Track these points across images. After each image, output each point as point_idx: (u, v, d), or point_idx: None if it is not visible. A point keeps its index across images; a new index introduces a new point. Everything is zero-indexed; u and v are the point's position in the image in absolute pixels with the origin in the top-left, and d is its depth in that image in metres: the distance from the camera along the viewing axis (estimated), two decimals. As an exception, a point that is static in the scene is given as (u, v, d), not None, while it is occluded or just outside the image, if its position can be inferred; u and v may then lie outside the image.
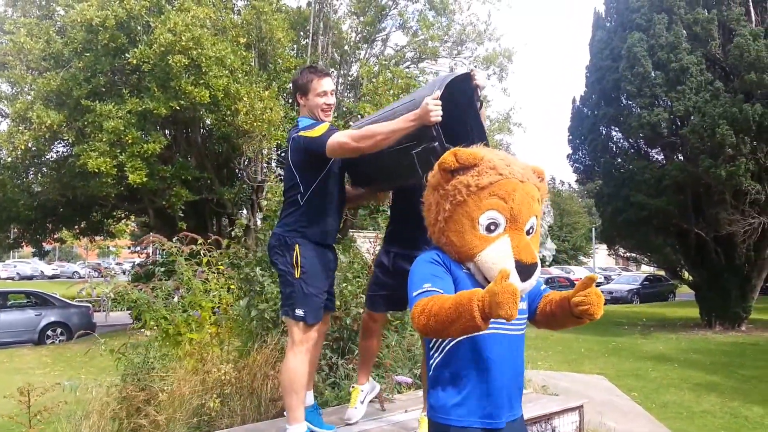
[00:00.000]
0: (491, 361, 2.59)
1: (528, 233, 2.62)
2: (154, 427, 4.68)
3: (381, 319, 4.29)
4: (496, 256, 2.56)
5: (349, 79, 20.72)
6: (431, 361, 2.72)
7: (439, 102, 3.24)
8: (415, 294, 2.53)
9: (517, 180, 2.59)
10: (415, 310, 2.45)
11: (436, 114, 3.22)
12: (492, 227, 2.58)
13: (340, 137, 3.59)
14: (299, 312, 3.73)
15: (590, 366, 11.97)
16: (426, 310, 2.39)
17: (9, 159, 17.83)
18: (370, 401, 4.50)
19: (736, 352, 14.16)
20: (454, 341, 2.60)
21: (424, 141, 3.35)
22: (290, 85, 18.83)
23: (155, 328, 5.62)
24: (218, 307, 6.08)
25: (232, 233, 7.83)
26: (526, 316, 2.72)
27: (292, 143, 3.86)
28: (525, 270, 2.53)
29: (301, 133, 3.77)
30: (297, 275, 3.75)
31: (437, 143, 3.28)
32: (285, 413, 3.93)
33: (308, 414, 3.97)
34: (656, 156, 19.36)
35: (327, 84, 3.90)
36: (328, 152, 3.63)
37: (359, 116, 18.37)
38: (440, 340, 2.64)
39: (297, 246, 3.77)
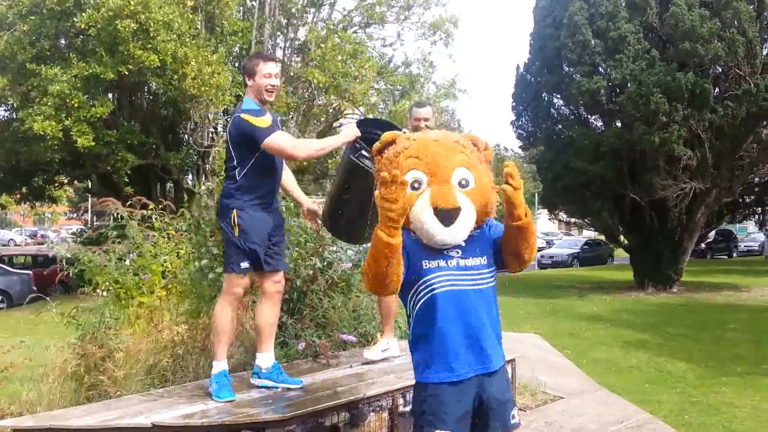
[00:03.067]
0: (449, 317, 2.74)
1: (462, 185, 2.78)
2: (112, 382, 4.77)
3: None
4: (418, 207, 2.73)
5: (297, 43, 20.53)
6: (409, 328, 2.94)
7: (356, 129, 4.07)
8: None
9: (431, 140, 2.85)
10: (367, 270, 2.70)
11: (354, 132, 4.05)
12: (416, 185, 2.77)
13: (281, 140, 4.07)
14: (243, 265, 4.16)
15: (527, 327, 12.10)
16: (364, 270, 2.71)
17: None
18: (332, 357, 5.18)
19: (665, 312, 14.52)
20: (419, 304, 2.79)
21: (355, 151, 4.09)
22: (236, 48, 18.77)
23: (108, 290, 5.66)
24: (168, 271, 6.12)
25: (201, 194, 7.80)
26: (487, 270, 2.85)
27: (233, 121, 4.21)
28: (444, 215, 2.68)
29: (243, 115, 4.11)
30: (236, 233, 4.15)
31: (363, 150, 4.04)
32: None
33: (272, 373, 4.35)
34: (595, 123, 19.59)
35: (272, 67, 4.24)
36: (264, 146, 4.06)
37: (307, 82, 18.29)
38: (410, 305, 2.84)
39: (234, 210, 4.15)
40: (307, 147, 4.29)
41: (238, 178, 4.18)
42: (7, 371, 5.27)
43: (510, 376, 5.77)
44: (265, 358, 4.41)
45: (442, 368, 2.75)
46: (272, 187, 4.34)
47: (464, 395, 2.75)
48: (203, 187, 7.62)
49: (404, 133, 3.13)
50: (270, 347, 4.43)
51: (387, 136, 2.95)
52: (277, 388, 4.30)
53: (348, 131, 4.13)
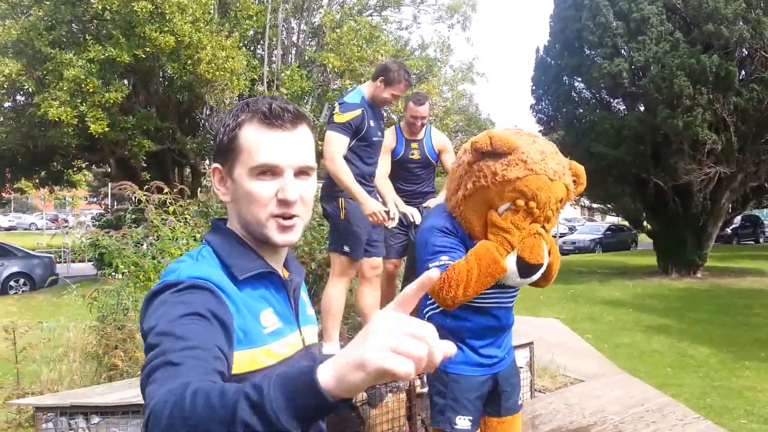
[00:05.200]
0: (486, 322, 2.86)
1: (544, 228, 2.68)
2: (133, 362, 4.79)
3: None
4: None
5: (312, 27, 20.42)
6: (426, 310, 2.94)
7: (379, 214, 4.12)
8: (432, 266, 2.63)
9: (547, 177, 2.55)
10: (435, 284, 2.56)
11: (379, 208, 4.16)
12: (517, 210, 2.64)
13: (330, 140, 4.22)
14: (345, 248, 4.32)
15: (547, 311, 12.09)
16: (454, 281, 2.59)
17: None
18: None
19: (688, 297, 14.45)
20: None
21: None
22: (251, 32, 18.73)
23: (126, 273, 5.67)
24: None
25: (203, 182, 7.81)
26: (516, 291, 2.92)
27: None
28: (527, 268, 2.64)
29: (336, 106, 4.33)
30: (342, 217, 4.32)
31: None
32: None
33: None
34: (617, 106, 19.40)
35: (404, 92, 4.45)
36: (323, 137, 4.27)
37: (322, 66, 18.18)
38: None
39: (341, 197, 4.32)
40: (335, 166, 4.22)
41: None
42: (28, 352, 5.30)
43: (528, 359, 5.78)
44: (333, 348, 4.47)
45: (474, 362, 2.90)
46: (370, 175, 4.50)
47: (484, 383, 2.90)
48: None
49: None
50: (335, 336, 4.52)
51: (501, 145, 2.55)
52: None
53: (374, 206, 4.15)
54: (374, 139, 4.45)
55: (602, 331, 10.42)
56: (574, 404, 5.58)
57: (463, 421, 2.83)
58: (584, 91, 19.68)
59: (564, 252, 31.16)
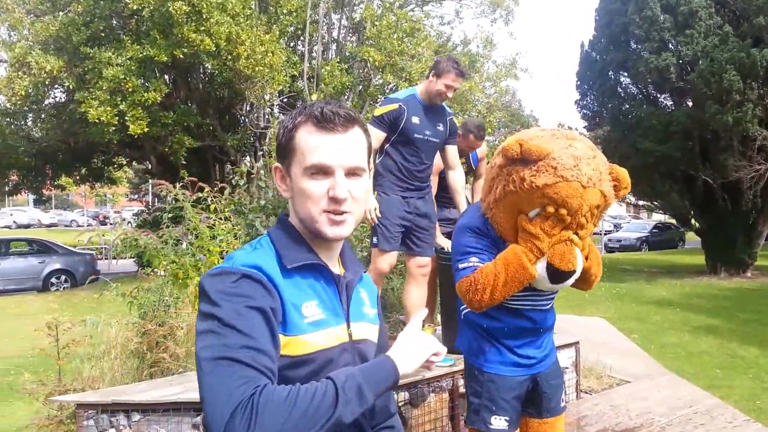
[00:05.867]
0: (520, 324, 2.81)
1: (577, 234, 2.59)
2: (174, 359, 4.80)
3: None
4: None
5: (352, 22, 20.38)
6: (462, 307, 2.93)
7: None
8: (461, 267, 2.70)
9: (579, 185, 2.45)
10: (462, 286, 2.66)
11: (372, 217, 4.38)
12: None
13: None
14: (374, 239, 4.50)
15: (592, 310, 11.96)
16: (480, 284, 2.60)
17: (8, 105, 17.56)
18: None
19: (738, 297, 14.20)
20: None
21: None
22: (291, 28, 18.74)
23: (165, 271, 5.69)
24: (225, 252, 6.13)
25: (233, 181, 7.82)
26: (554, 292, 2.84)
27: None
28: (557, 275, 2.57)
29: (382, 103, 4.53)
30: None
31: None
32: None
33: None
34: (664, 102, 19.08)
35: (456, 81, 4.43)
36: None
37: (363, 61, 18.13)
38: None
39: (375, 190, 4.51)
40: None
41: (378, 159, 4.57)
42: (70, 348, 5.35)
43: (574, 359, 5.67)
44: None
45: (510, 362, 2.86)
46: (411, 172, 4.54)
47: (522, 383, 2.85)
48: (243, 168, 7.63)
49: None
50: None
51: (530, 153, 2.47)
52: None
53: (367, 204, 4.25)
54: (415, 135, 4.47)
55: (649, 331, 10.30)
56: (620, 405, 5.49)
57: (498, 421, 2.81)
58: (630, 86, 19.45)
59: (609, 250, 30.94)
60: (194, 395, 3.82)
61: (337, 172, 1.54)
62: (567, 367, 5.50)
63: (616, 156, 18.70)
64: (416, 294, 4.69)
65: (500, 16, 22.08)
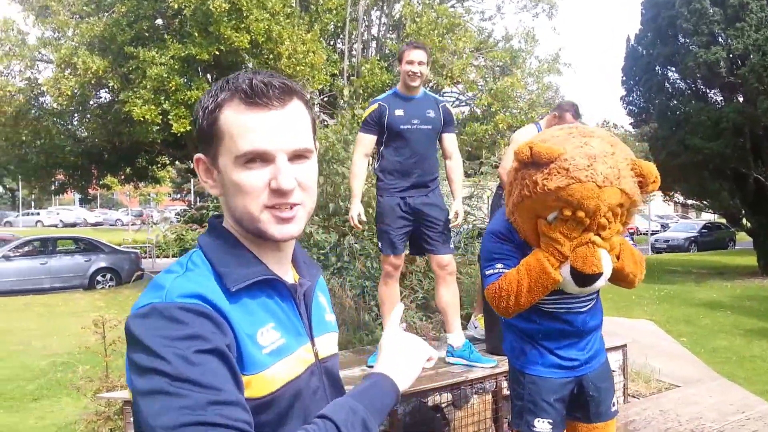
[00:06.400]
0: (562, 328, 2.79)
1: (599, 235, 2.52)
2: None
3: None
4: None
5: (392, 19, 20.33)
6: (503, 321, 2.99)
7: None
8: (488, 273, 2.73)
9: (594, 185, 2.37)
10: (489, 292, 2.69)
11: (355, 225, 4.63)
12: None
13: (355, 147, 4.73)
14: (379, 244, 4.66)
15: (640, 312, 11.83)
16: (505, 291, 2.61)
17: (55, 105, 17.83)
18: None
19: (792, 300, 13.87)
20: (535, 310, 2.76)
21: None
22: (331, 26, 18.79)
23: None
24: None
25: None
26: (590, 295, 2.78)
27: None
28: (582, 278, 2.51)
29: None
30: (375, 214, 4.74)
31: None
32: None
33: (464, 351, 4.60)
34: (714, 97, 18.73)
35: (412, 54, 4.50)
36: None
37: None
38: None
39: (377, 193, 4.68)
40: (353, 169, 4.70)
41: (377, 164, 4.66)
42: (117, 345, 5.47)
43: (621, 362, 5.56)
44: (454, 338, 4.64)
45: (551, 363, 2.84)
46: (404, 167, 4.55)
47: (565, 385, 2.82)
48: None
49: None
50: (454, 327, 4.65)
51: (541, 155, 2.43)
52: (471, 366, 4.48)
53: (351, 211, 4.61)
54: (401, 127, 4.51)
55: (698, 334, 10.16)
56: (669, 410, 5.39)
57: (542, 424, 2.78)
58: (678, 81, 19.15)
59: (656, 250, 30.45)
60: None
61: (279, 158, 1.24)
62: (614, 371, 5.40)
63: (663, 153, 18.46)
64: (447, 294, 4.64)
65: (543, 10, 21.83)
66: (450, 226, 4.63)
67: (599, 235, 2.47)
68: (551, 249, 2.52)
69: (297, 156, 1.27)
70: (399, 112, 4.50)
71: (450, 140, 4.75)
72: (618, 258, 2.58)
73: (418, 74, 4.49)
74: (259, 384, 1.21)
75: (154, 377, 1.07)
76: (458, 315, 4.67)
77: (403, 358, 1.37)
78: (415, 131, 4.51)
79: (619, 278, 2.65)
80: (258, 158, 1.23)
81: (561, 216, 2.46)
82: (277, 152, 1.23)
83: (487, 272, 2.73)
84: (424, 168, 4.56)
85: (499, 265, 2.70)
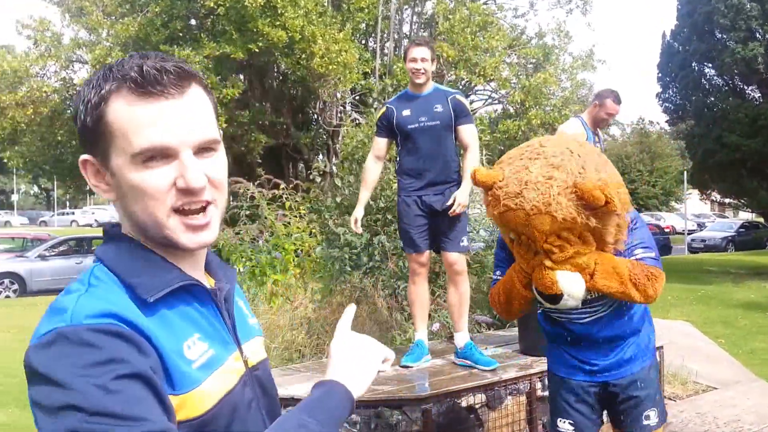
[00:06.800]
0: (568, 335, 2.80)
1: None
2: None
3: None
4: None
5: (424, 17, 20.29)
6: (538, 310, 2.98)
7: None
8: (492, 278, 2.89)
9: (524, 213, 2.34)
10: (489, 296, 2.84)
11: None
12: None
13: (372, 147, 4.87)
14: (401, 243, 4.77)
15: (676, 313, 11.67)
16: (495, 299, 2.76)
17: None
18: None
19: (832, 300, 13.57)
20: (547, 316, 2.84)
21: None
22: (363, 24, 18.81)
23: (243, 267, 5.79)
24: (300, 250, 6.21)
25: (311, 178, 7.88)
26: (591, 307, 2.68)
27: None
28: (547, 297, 2.53)
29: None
30: (397, 214, 4.79)
31: None
32: None
33: (466, 352, 4.56)
34: (752, 94, 18.49)
35: (416, 52, 4.52)
36: None
37: (438, 57, 18.03)
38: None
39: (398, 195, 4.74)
40: (364, 171, 4.89)
41: (396, 165, 4.79)
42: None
43: (658, 364, 5.50)
44: (458, 338, 4.64)
45: (567, 364, 2.87)
46: (415, 168, 4.58)
47: (588, 389, 2.80)
48: (320, 165, 7.67)
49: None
50: (460, 327, 4.64)
51: (480, 181, 2.46)
52: (474, 367, 4.45)
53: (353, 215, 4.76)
54: (409, 127, 4.54)
55: (736, 336, 9.95)
56: (706, 413, 5.38)
57: (564, 425, 2.81)
58: (715, 77, 18.97)
59: (692, 250, 29.99)
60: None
61: (183, 153, 1.08)
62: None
63: (700, 151, 18.25)
64: (453, 294, 4.65)
65: (576, 6, 21.65)
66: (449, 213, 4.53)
67: (550, 258, 2.43)
68: (517, 266, 2.58)
69: (203, 149, 1.11)
70: (406, 113, 4.55)
71: (465, 131, 4.61)
72: (592, 276, 2.47)
73: (422, 71, 4.49)
74: (194, 402, 1.06)
75: (68, 415, 0.90)
76: (464, 315, 4.65)
77: (356, 362, 1.24)
78: (425, 129, 4.51)
79: (612, 295, 2.54)
80: (158, 155, 1.06)
81: (512, 237, 2.51)
82: (180, 147, 1.07)
83: (493, 277, 2.89)
84: (438, 166, 4.53)
85: (498, 272, 2.82)
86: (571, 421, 2.79)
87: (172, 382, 1.04)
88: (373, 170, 4.77)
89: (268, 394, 1.29)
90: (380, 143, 4.73)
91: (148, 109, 1.06)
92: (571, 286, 2.45)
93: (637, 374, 2.76)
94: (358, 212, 4.69)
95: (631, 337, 2.75)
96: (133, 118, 1.05)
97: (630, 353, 2.75)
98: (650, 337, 2.84)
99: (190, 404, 1.06)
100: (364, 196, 4.79)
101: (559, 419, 2.82)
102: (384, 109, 4.66)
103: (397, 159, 4.76)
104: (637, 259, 2.52)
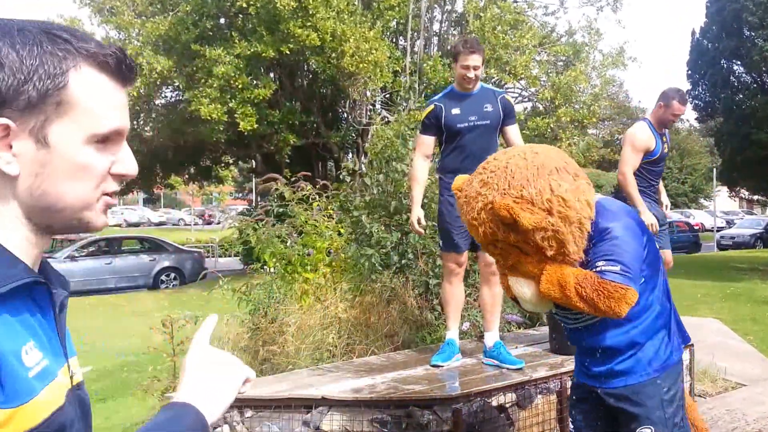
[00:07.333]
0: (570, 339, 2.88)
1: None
2: (284, 356, 4.91)
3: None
4: None
5: (454, 15, 20.24)
6: None
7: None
8: None
9: (468, 224, 2.54)
10: None
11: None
12: None
13: (416, 149, 4.84)
14: (440, 242, 4.73)
15: (705, 310, 11.53)
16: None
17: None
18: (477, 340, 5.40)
19: None
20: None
21: None
22: (393, 23, 18.79)
23: (275, 268, 5.81)
24: (331, 249, 6.23)
25: (340, 177, 7.92)
26: (578, 313, 2.65)
27: None
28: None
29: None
30: (438, 213, 4.76)
31: None
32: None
33: (494, 351, 4.58)
34: (781, 91, 18.18)
35: (468, 58, 4.48)
36: None
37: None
38: None
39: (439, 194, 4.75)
40: (413, 171, 4.83)
41: (438, 163, 4.81)
42: (184, 345, 5.51)
43: (688, 361, 5.51)
44: (488, 337, 4.67)
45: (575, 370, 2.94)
46: (464, 171, 4.64)
47: (586, 393, 2.81)
48: (349, 165, 7.70)
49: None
50: (491, 327, 4.67)
51: (454, 184, 2.69)
52: (501, 367, 4.47)
53: (412, 215, 4.66)
54: (458, 126, 4.52)
55: (765, 332, 9.74)
56: (736, 410, 5.35)
57: (571, 425, 2.89)
58: (744, 75, 18.78)
59: (721, 247, 29.61)
60: (305, 392, 3.92)
61: (124, 141, 1.09)
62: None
63: (728, 149, 18.04)
64: (487, 294, 4.67)
65: (607, 3, 21.43)
66: None
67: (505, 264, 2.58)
68: None
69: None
70: (455, 111, 4.51)
71: (512, 132, 4.69)
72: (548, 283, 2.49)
73: (473, 78, 4.50)
74: (27, 415, 0.93)
75: None
76: (496, 315, 4.68)
77: (213, 382, 1.12)
78: (474, 128, 4.50)
79: (563, 304, 2.55)
80: (108, 139, 1.05)
81: None
82: (125, 134, 1.09)
83: None
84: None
85: None
86: (572, 423, 2.86)
87: (5, 391, 0.90)
88: (423, 169, 4.71)
89: (87, 419, 1.13)
90: (428, 141, 4.67)
91: (120, 95, 1.07)
92: (519, 290, 2.56)
93: (632, 388, 2.65)
94: (419, 211, 4.63)
95: (629, 350, 2.65)
96: (108, 100, 1.04)
97: (625, 365, 2.66)
98: (659, 353, 2.66)
99: (22, 418, 0.92)
100: (419, 194, 4.71)
101: (570, 419, 2.91)
102: (432, 107, 4.60)
103: (440, 158, 4.76)
104: (597, 272, 2.42)
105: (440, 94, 4.75)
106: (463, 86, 4.55)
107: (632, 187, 5.15)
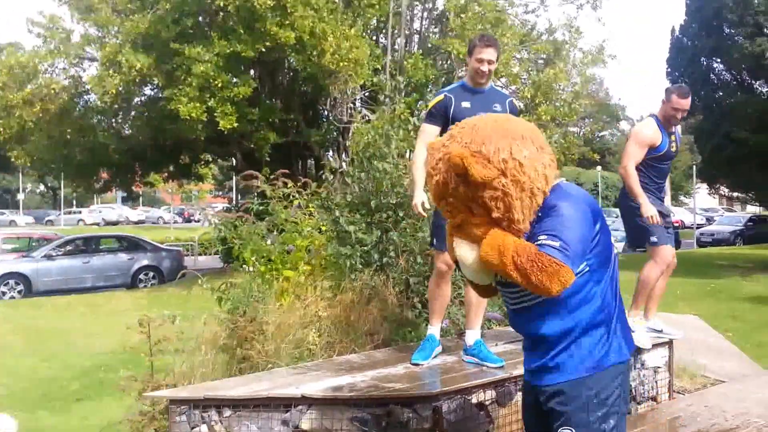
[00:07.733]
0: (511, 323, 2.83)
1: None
2: (262, 356, 4.86)
3: None
4: None
5: (435, 13, 20.24)
6: None
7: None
8: None
9: (430, 175, 2.53)
10: None
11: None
12: None
13: (419, 136, 4.67)
14: (433, 241, 4.61)
15: (685, 307, 11.58)
16: None
17: (99, 103, 17.95)
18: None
19: (840, 293, 13.54)
20: None
21: None
22: (374, 21, 18.76)
23: (254, 266, 5.76)
24: (311, 247, 6.19)
25: (322, 176, 7.88)
26: (517, 291, 2.56)
27: None
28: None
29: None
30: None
31: None
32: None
33: (474, 349, 4.53)
34: (760, 88, 18.46)
35: (484, 52, 4.41)
36: None
37: (446, 53, 17.98)
38: None
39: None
40: (414, 158, 4.68)
41: None
42: (161, 344, 5.46)
43: (667, 358, 5.50)
44: (469, 336, 4.60)
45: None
46: None
47: (528, 390, 2.75)
48: (332, 163, 7.68)
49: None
50: (473, 325, 4.61)
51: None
52: (482, 365, 4.40)
53: (416, 198, 4.49)
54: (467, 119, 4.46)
55: (745, 330, 10.00)
56: (715, 406, 5.29)
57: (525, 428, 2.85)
58: (724, 73, 18.95)
59: (701, 244, 29.85)
60: (284, 391, 3.88)
61: None
62: (660, 367, 5.34)
63: (709, 146, 18.20)
64: (472, 293, 4.48)
65: (587, 1, 21.47)
66: None
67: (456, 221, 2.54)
68: None
69: None
70: (465, 104, 4.45)
71: None
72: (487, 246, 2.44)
73: (487, 73, 4.46)
74: None
75: None
76: (480, 314, 4.64)
77: None
78: None
79: (497, 271, 2.48)
80: None
81: None
82: None
83: None
84: None
85: None
86: (525, 415, 2.79)
87: None
88: (425, 157, 4.63)
89: None
90: (432, 131, 4.49)
91: None
92: (461, 252, 2.51)
93: (561, 386, 2.53)
94: (422, 195, 4.45)
95: (563, 342, 2.54)
96: None
97: (557, 361, 2.55)
98: (594, 352, 2.52)
99: None
100: (421, 177, 4.49)
101: (523, 414, 2.82)
102: (441, 97, 4.52)
103: None
104: (537, 244, 2.34)
105: (452, 85, 4.70)
106: (476, 81, 4.50)
107: (633, 180, 5.06)
